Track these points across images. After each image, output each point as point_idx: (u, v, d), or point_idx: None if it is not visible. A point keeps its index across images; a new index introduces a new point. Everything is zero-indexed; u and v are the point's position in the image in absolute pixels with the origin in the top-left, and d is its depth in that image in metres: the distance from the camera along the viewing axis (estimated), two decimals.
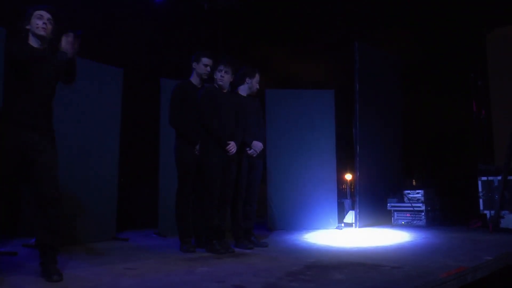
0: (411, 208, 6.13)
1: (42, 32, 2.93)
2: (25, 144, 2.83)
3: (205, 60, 4.17)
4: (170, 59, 6.90)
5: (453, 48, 6.84)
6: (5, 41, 3.74)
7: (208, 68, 4.20)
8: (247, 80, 4.40)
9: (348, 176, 6.59)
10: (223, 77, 4.10)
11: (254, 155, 4.30)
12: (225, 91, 4.16)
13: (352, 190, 6.41)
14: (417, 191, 6.19)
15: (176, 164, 4.14)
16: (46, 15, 2.98)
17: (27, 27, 2.95)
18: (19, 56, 2.79)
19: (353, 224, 5.99)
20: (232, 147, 3.99)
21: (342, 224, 6.03)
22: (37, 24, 2.94)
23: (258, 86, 4.49)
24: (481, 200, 5.68)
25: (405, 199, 6.25)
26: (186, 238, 4.05)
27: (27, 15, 2.96)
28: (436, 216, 6.23)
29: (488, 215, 5.49)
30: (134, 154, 6.08)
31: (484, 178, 5.65)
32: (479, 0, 6.48)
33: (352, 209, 6.23)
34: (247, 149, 4.28)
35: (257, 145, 4.30)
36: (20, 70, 2.83)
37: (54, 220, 2.93)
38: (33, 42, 2.96)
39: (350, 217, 6.15)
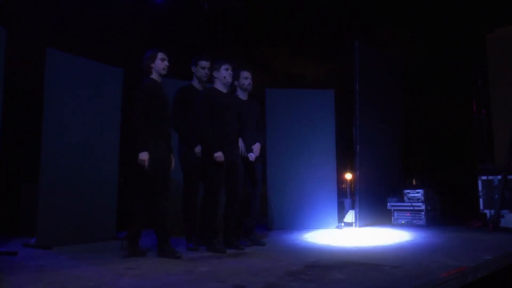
0: (411, 208, 6.13)
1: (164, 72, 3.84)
2: None
3: (203, 63, 4.28)
4: (170, 59, 6.89)
5: (453, 48, 6.84)
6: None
7: (206, 70, 4.29)
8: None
9: (348, 176, 6.59)
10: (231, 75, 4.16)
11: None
12: (225, 92, 4.17)
13: (352, 189, 6.41)
14: (417, 190, 6.19)
15: (180, 166, 4.22)
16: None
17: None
18: None
19: (353, 224, 5.99)
20: (219, 157, 3.93)
21: (342, 224, 6.03)
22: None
23: (246, 83, 4.49)
24: (481, 200, 5.68)
25: (405, 198, 6.25)
26: (191, 237, 4.14)
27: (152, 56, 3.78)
28: (436, 216, 6.23)
29: (488, 215, 5.49)
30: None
31: (484, 178, 5.65)
32: (479, 1, 6.48)
33: (352, 208, 6.23)
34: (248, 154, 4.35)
35: (251, 156, 4.38)
36: None
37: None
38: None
39: (350, 216, 6.15)
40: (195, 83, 4.33)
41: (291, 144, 5.93)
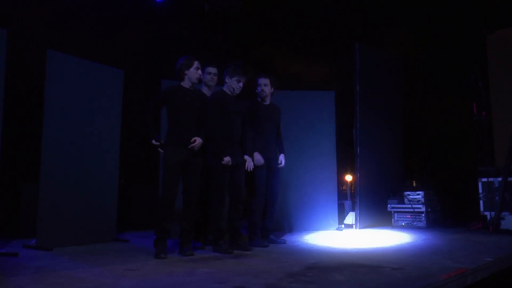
0: (411, 209, 6.13)
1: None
2: None
3: (210, 69, 4.41)
4: (171, 60, 6.90)
5: (453, 50, 6.84)
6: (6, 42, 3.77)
7: (212, 76, 4.40)
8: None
9: (349, 177, 6.58)
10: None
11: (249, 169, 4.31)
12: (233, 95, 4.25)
13: (353, 191, 6.41)
14: (418, 192, 6.19)
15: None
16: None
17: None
18: None
19: (353, 225, 5.99)
20: (228, 161, 4.01)
21: (343, 225, 6.03)
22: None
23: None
24: (481, 202, 5.68)
25: (405, 200, 6.24)
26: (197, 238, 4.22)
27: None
28: (436, 218, 6.23)
29: (488, 217, 5.49)
30: (134, 154, 6.08)
31: (484, 179, 5.65)
32: (479, 2, 6.48)
33: (353, 210, 6.22)
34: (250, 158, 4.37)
35: (260, 161, 4.47)
36: None
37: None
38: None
39: (350, 218, 6.15)
40: (205, 90, 4.41)
41: (291, 145, 5.90)
